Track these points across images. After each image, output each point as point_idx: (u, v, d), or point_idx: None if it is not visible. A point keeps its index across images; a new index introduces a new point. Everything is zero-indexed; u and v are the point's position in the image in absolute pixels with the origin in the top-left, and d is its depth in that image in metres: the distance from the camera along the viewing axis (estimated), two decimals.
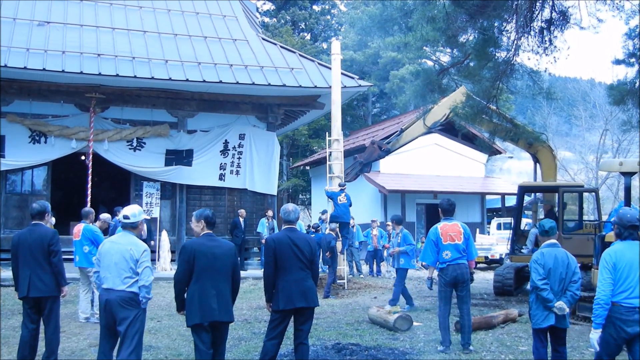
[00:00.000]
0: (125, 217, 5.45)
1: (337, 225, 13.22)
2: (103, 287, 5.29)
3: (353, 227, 16.40)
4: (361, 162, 13.78)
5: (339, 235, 12.91)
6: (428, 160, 23.81)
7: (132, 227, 5.45)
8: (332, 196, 13.14)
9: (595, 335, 4.82)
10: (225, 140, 16.37)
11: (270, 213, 16.05)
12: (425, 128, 13.48)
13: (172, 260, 15.03)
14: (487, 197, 25.94)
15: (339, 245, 13.28)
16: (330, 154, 14.18)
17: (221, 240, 5.32)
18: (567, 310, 5.37)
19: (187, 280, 5.09)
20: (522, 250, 12.18)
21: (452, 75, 10.81)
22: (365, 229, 17.69)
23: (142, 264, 5.24)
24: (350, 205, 13.12)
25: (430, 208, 23.15)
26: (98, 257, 5.42)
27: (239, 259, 5.49)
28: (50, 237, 6.05)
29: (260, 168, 16.67)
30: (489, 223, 25.24)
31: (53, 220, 12.45)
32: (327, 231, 13.25)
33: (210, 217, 5.30)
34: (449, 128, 22.86)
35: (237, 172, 16.49)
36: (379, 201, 23.00)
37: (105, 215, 10.01)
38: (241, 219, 15.84)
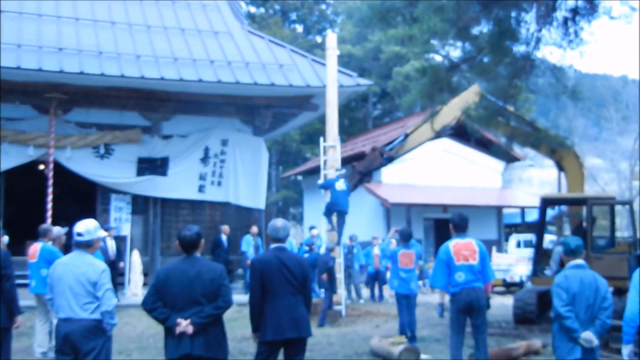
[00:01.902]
0: (79, 234, 5.32)
1: (335, 246, 13.21)
2: (60, 317, 5.22)
3: (353, 247, 16.40)
4: (360, 171, 13.80)
5: (345, 245, 12.87)
6: (437, 169, 23.87)
7: (86, 245, 5.34)
8: (327, 183, 13.25)
9: (626, 350, 5.11)
10: (206, 146, 16.36)
11: (254, 230, 16.05)
12: (433, 133, 13.51)
13: (144, 285, 14.95)
14: (505, 210, 25.99)
15: (336, 250, 13.32)
16: (325, 162, 14.20)
17: (203, 261, 5.09)
18: (596, 342, 5.33)
19: (154, 309, 4.98)
20: (545, 272, 12.18)
21: (463, 72, 10.85)
22: (365, 248, 17.67)
23: (102, 287, 5.18)
24: (349, 194, 13.23)
25: (439, 223, 23.18)
26: (50, 282, 5.31)
27: (227, 281, 5.28)
28: (1, 259, 5.99)
29: (245, 178, 16.66)
30: (507, 240, 25.28)
31: (5, 239, 12.40)
32: (323, 250, 13.24)
33: (185, 237, 5.14)
34: (460, 132, 22.92)
35: (219, 183, 16.47)
36: (380, 216, 23.01)
37: (57, 230, 9.08)
38: (224, 237, 15.80)
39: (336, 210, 13.15)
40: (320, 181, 13.69)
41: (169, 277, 4.96)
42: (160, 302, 4.94)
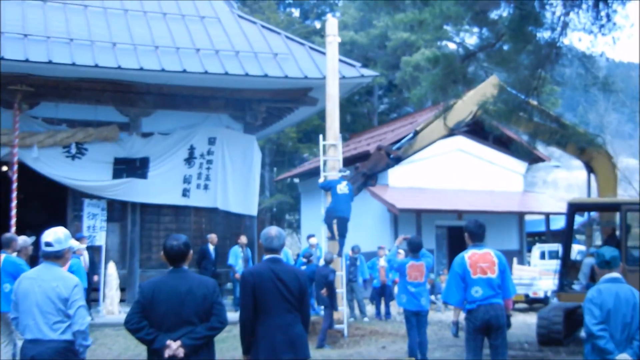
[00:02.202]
0: (47, 244, 5.26)
1: (335, 257, 13.20)
2: (26, 338, 5.18)
3: (356, 258, 16.39)
4: (364, 173, 13.83)
5: (347, 255, 12.92)
6: (450, 171, 23.90)
7: (55, 256, 5.28)
8: (328, 185, 13.40)
9: None
10: (191, 145, 16.36)
11: (243, 239, 16.07)
12: (447, 130, 13.54)
13: (121, 301, 14.92)
14: (527, 217, 25.98)
15: (337, 262, 13.30)
16: (325, 163, 14.19)
17: (193, 275, 5.06)
18: None
19: (139, 329, 4.94)
20: (573, 287, 12.17)
21: (480, 61, 10.86)
22: (370, 259, 17.67)
23: (74, 304, 5.14)
24: (352, 199, 13.36)
25: (453, 232, 23.18)
26: (14, 299, 5.25)
27: (221, 298, 5.22)
28: None
29: (235, 181, 16.66)
30: (530, 251, 25.29)
31: None
32: (322, 261, 13.23)
33: (171, 248, 5.10)
34: (476, 129, 22.91)
35: (206, 187, 16.47)
36: (387, 223, 23.02)
37: (23, 240, 8.92)
38: (211, 247, 15.81)
39: (337, 217, 13.18)
40: (321, 180, 13.75)
41: (156, 292, 4.93)
42: (146, 321, 4.90)
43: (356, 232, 21.68)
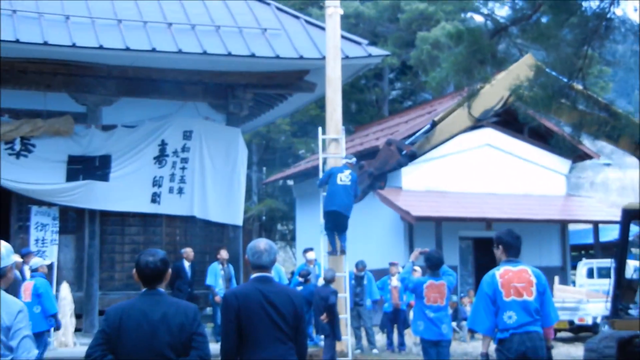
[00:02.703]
0: None
1: (334, 275, 13.20)
2: None
3: (363, 277, 16.39)
4: (371, 173, 13.86)
5: (352, 273, 12.92)
6: (476, 171, 23.93)
7: None
8: (327, 175, 13.62)
9: None
10: (162, 141, 16.37)
11: (224, 254, 16.09)
12: (472, 120, 13.55)
13: (76, 330, 14.90)
14: (572, 226, 25.99)
15: (339, 281, 13.34)
16: (325, 161, 14.19)
17: (170, 300, 5.06)
18: None
19: None
20: (629, 312, 12.14)
21: (513, 37, 10.86)
22: (380, 278, 17.66)
23: (17, 334, 5.09)
24: (356, 193, 13.53)
25: (480, 244, 23.20)
26: None
27: (202, 327, 5.22)
28: None
29: (216, 184, 16.69)
30: (575, 267, 25.27)
31: None
32: (321, 281, 13.22)
33: (146, 266, 5.08)
34: (508, 120, 22.92)
35: (181, 191, 16.49)
36: (400, 234, 23.04)
37: None
38: (186, 264, 15.84)
39: (329, 211, 13.27)
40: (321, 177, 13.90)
41: (124, 320, 4.92)
42: (111, 355, 4.89)
43: (362, 245, 21.65)
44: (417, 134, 14.23)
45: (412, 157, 14.00)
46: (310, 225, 24.53)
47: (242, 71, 16.35)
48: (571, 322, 18.51)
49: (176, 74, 16.05)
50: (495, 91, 12.94)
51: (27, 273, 13.29)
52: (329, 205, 13.38)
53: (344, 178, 13.30)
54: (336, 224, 13.49)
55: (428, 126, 13.94)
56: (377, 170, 13.95)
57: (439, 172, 23.15)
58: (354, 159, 13.99)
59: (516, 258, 7.12)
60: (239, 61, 15.49)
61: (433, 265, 9.82)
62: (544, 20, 9.91)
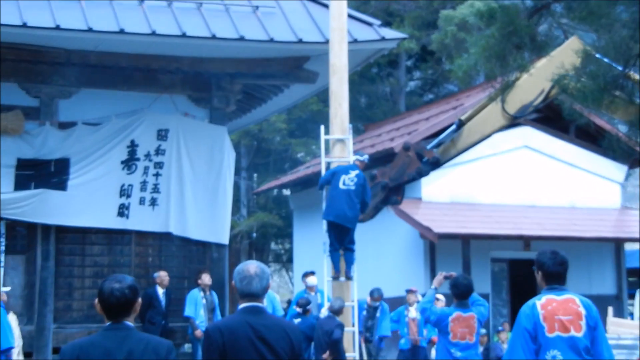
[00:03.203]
0: None
1: (343, 306, 13.16)
2: None
3: (376, 308, 16.34)
4: (385, 184, 13.79)
5: (364, 304, 12.86)
6: (512, 178, 23.90)
7: None
8: (330, 175, 13.55)
9: None
10: (132, 141, 16.37)
11: (206, 279, 16.04)
12: (507, 118, 13.52)
13: None
14: (628, 246, 25.85)
15: (346, 312, 13.28)
16: (328, 167, 14.16)
17: (139, 336, 5.07)
18: None
19: None
20: None
21: (556, 17, 10.84)
22: (395, 308, 17.61)
23: None
24: (364, 200, 13.38)
25: (517, 267, 23.18)
26: None
27: None
28: None
29: (197, 193, 16.70)
30: (632, 296, 25.16)
31: None
32: (324, 311, 13.17)
33: (111, 294, 5.05)
34: (551, 117, 22.89)
35: (154, 202, 16.48)
36: (420, 255, 23.00)
37: None
38: (160, 290, 15.82)
39: (329, 220, 13.27)
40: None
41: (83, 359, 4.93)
42: None
43: (374, 268, 21.60)
44: (442, 136, 14.18)
45: (435, 164, 13.93)
46: (310, 243, 24.49)
47: (229, 57, 16.37)
48: None
49: (149, 60, 16.06)
50: (534, 82, 12.93)
51: None
52: (327, 213, 13.33)
53: (348, 181, 13.16)
54: (338, 239, 13.42)
55: (454, 126, 13.90)
56: (392, 182, 13.86)
57: (466, 179, 23.11)
58: (366, 157, 13.87)
59: (561, 285, 7.08)
60: (224, 45, 15.49)
61: (460, 293, 9.78)
62: None
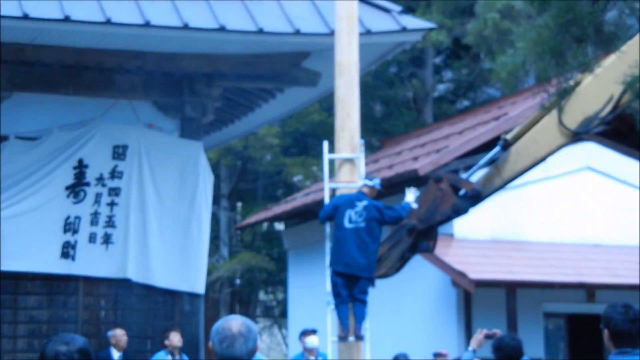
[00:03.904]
0: None
1: None
2: None
3: None
4: (414, 227, 13.69)
5: None
6: (571, 208, 23.88)
7: None
8: (332, 207, 13.52)
9: None
10: (79, 161, 16.40)
11: (175, 340, 16.02)
12: (566, 135, 13.43)
13: None
14: None
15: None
16: (333, 194, 14.17)
17: None
18: None
19: None
20: None
21: (627, 1, 10.87)
22: None
23: None
24: (374, 239, 13.30)
25: (577, 324, 23.16)
26: None
27: None
28: None
29: (164, 229, 16.73)
30: None
31: None
32: None
33: (56, 358, 5.10)
34: (621, 131, 22.88)
35: (108, 239, 16.49)
36: (452, 307, 22.98)
37: None
38: (116, 354, 15.80)
39: (336, 274, 13.32)
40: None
41: None
42: None
43: (393, 324, 21.51)
44: (484, 160, 14.16)
45: (476, 198, 13.77)
46: (310, 292, 24.48)
47: (206, 54, 16.47)
48: None
49: (102, 56, 16.12)
50: (600, 86, 12.90)
51: None
52: (333, 262, 13.29)
53: (355, 217, 13.13)
54: (346, 288, 13.38)
55: (497, 147, 13.86)
56: (421, 223, 13.76)
57: (511, 210, 23.13)
58: (376, 181, 13.75)
59: (635, 348, 7.10)
60: (201, 38, 15.54)
61: (506, 357, 9.79)
62: None
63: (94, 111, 16.66)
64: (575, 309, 23.27)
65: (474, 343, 10.58)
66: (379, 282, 14.06)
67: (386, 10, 16.76)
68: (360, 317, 13.52)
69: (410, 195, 13.72)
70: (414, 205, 13.56)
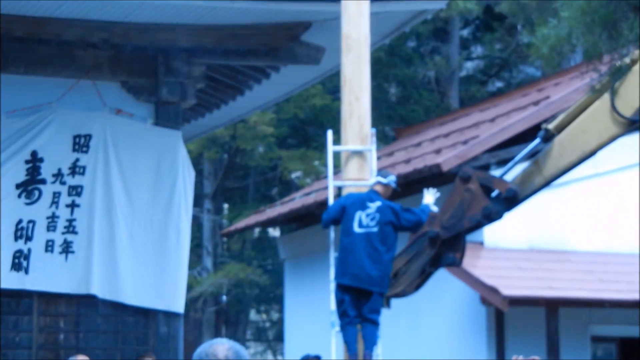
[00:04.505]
0: None
1: None
2: None
3: None
4: (436, 235, 13.66)
5: None
6: (623, 213, 23.86)
7: None
8: (339, 207, 13.56)
9: None
10: (33, 153, 16.40)
11: None
12: (620, 124, 13.40)
13: None
14: None
15: None
16: (339, 193, 14.18)
17: None
18: None
19: None
20: None
21: None
22: None
23: None
24: (388, 246, 13.34)
25: (632, 349, 23.20)
26: None
27: None
28: None
29: (135, 236, 16.74)
30: None
31: None
32: None
33: None
34: None
35: (68, 249, 16.50)
36: (481, 328, 23.05)
37: None
38: None
39: (342, 288, 13.39)
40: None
41: None
42: None
43: (411, 350, 21.53)
44: (518, 156, 14.13)
45: (512, 201, 13.74)
46: (310, 312, 24.53)
47: (186, 24, 16.49)
48: None
49: (60, 27, 16.12)
50: None
51: None
52: (339, 274, 13.29)
53: (367, 220, 13.14)
54: (355, 306, 13.39)
55: (537, 139, 13.82)
56: (446, 231, 13.71)
57: (553, 214, 23.15)
58: (392, 178, 13.73)
59: None
60: (180, 5, 15.54)
61: None
62: None
63: (50, 94, 16.65)
64: (628, 332, 23.31)
65: None
66: (396, 300, 14.04)
67: None
68: (371, 342, 13.53)
69: (430, 197, 13.73)
70: (434, 209, 13.54)
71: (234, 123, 25.90)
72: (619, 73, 12.38)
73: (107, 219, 16.60)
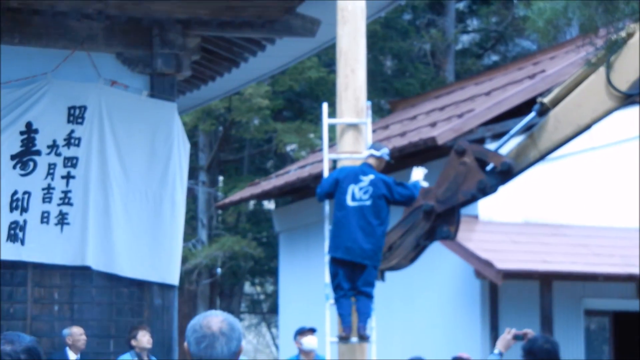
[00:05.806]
0: None
1: None
2: None
3: None
4: (431, 208, 13.68)
5: None
6: (618, 187, 23.88)
7: None
8: (333, 180, 13.55)
9: None
10: (27, 124, 16.38)
11: (144, 340, 16.06)
12: (615, 97, 13.42)
13: None
14: None
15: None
16: (334, 165, 14.17)
17: None
18: None
19: None
20: None
21: None
22: None
23: None
24: (381, 220, 13.35)
25: (625, 323, 23.36)
26: None
27: None
28: None
29: (129, 207, 16.77)
30: None
31: None
32: None
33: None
34: None
35: (63, 220, 16.50)
36: (475, 301, 23.07)
37: None
38: (72, 355, 15.81)
39: (335, 261, 13.39)
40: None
41: None
42: None
43: (405, 323, 21.54)
44: (514, 130, 14.12)
45: (506, 174, 13.75)
46: (305, 285, 24.54)
47: None
48: None
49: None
50: None
51: None
52: (333, 247, 13.29)
53: (360, 193, 13.15)
54: (349, 279, 13.39)
55: (532, 113, 13.82)
56: (441, 205, 13.72)
57: (547, 188, 23.15)
58: (385, 151, 13.70)
59: None
60: None
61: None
62: None
63: (45, 65, 16.62)
64: (622, 306, 23.36)
65: (500, 345, 10.60)
66: (391, 273, 14.04)
67: None
68: (365, 314, 13.53)
69: (418, 173, 13.70)
70: (425, 184, 13.54)
71: (229, 95, 25.89)
72: (614, 47, 12.39)
73: (102, 190, 16.58)
